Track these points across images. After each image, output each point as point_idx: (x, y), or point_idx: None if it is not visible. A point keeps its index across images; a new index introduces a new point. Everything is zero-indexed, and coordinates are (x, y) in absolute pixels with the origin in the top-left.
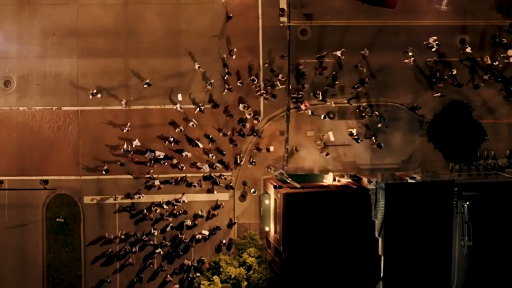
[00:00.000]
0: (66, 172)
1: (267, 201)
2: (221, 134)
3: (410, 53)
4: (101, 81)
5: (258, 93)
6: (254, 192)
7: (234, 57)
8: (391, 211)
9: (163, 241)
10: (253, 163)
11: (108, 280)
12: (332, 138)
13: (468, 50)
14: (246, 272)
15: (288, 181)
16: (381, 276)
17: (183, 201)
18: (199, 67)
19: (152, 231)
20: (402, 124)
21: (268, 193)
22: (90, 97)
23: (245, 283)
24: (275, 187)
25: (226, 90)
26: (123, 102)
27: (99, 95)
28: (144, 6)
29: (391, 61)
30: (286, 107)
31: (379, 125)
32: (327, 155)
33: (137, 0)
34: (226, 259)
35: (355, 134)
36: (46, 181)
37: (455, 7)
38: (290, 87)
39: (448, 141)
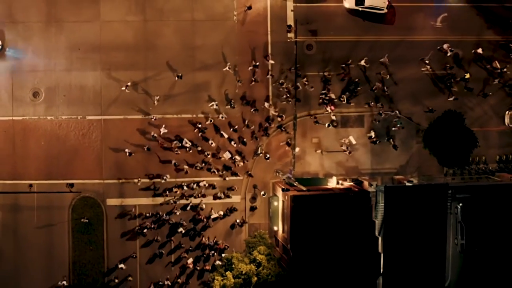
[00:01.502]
0: (90, 176)
1: (275, 203)
2: (245, 125)
3: (427, 61)
4: (123, 92)
5: (284, 96)
6: (263, 195)
7: (270, 61)
8: (390, 212)
9: (180, 220)
10: (268, 159)
11: (134, 256)
12: (354, 142)
13: (479, 51)
14: (256, 268)
15: (295, 184)
16: (381, 272)
17: (204, 185)
18: (229, 68)
19: (174, 211)
20: (400, 132)
21: (276, 196)
22: (123, 87)
23: (255, 278)
24: (283, 190)
25: (253, 82)
26: (155, 99)
27: (127, 91)
28: (162, 23)
29: (394, 72)
30: (293, 115)
31: (395, 127)
32: (349, 153)
33: (156, 17)
34: (238, 257)
35: (373, 136)
36: (71, 185)
37: (449, 24)
38: (313, 89)
39: (442, 147)
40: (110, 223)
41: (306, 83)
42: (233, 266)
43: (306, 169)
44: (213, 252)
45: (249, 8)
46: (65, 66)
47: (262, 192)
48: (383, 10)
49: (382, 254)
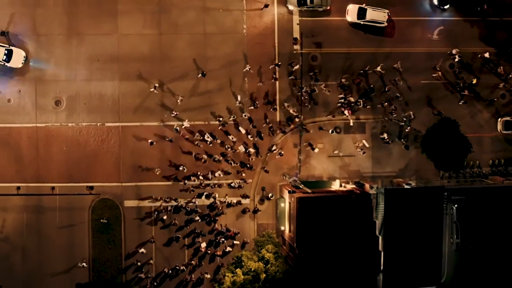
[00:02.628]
0: (109, 179)
1: (282, 204)
2: (265, 122)
3: (439, 68)
4: (140, 100)
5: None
6: (271, 196)
7: (296, 66)
8: (390, 212)
9: (195, 208)
10: (281, 155)
11: (152, 240)
12: (367, 145)
13: (486, 55)
14: (264, 265)
15: (301, 187)
16: (381, 269)
17: (219, 174)
18: (249, 69)
19: (193, 200)
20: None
21: (283, 197)
22: (152, 89)
23: (264, 275)
24: (289, 192)
25: (272, 80)
26: (179, 100)
27: (156, 91)
28: (176, 36)
29: (406, 78)
30: (300, 122)
31: (408, 129)
32: (364, 153)
33: (170, 31)
34: (247, 255)
35: (386, 138)
36: (91, 187)
37: (446, 37)
38: (329, 92)
39: (439, 152)
40: (127, 210)
41: (324, 88)
42: (243, 263)
43: (311, 172)
44: (223, 239)
45: (266, 6)
46: (85, 76)
47: (270, 194)
48: (383, 24)
49: (382, 252)
